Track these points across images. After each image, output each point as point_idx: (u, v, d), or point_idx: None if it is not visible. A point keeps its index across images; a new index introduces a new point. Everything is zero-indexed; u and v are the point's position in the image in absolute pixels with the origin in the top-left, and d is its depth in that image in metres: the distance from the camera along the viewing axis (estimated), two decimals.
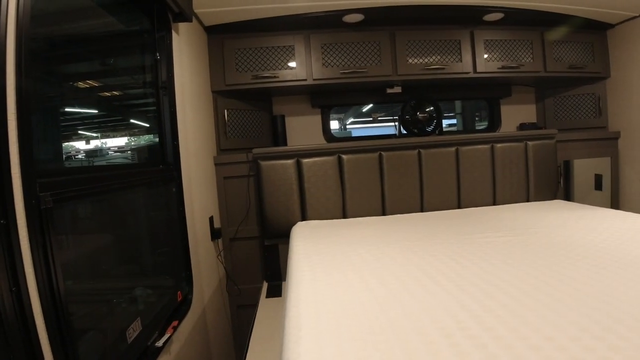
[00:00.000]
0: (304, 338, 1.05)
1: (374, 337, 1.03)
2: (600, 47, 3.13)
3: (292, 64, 2.78)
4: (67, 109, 1.58)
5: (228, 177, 2.79)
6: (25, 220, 0.97)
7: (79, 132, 1.65)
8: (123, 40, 1.94)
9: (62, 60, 1.51)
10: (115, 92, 1.97)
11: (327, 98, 3.22)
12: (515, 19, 2.84)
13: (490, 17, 2.78)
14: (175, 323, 1.80)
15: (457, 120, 4.88)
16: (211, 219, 2.56)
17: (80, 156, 1.68)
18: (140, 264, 1.89)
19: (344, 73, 2.79)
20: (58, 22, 1.43)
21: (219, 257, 2.68)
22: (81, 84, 1.68)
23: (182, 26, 2.20)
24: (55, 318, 1.04)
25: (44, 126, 1.39)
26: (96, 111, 1.85)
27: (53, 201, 1.07)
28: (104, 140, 1.90)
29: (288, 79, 2.77)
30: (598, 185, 3.19)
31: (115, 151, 1.99)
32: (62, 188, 1.15)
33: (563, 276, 1.36)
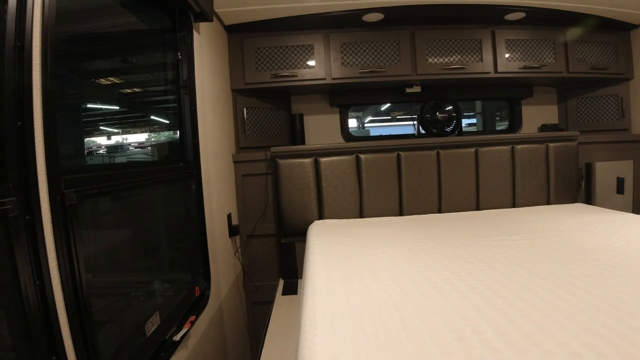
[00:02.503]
0: (319, 337, 1.06)
1: (389, 338, 1.03)
2: (624, 48, 3.06)
3: (311, 63, 2.79)
4: (91, 107, 1.62)
5: (246, 175, 2.82)
6: (50, 216, 1.00)
7: (102, 129, 1.69)
8: (145, 40, 1.97)
9: (85, 59, 1.55)
10: (137, 90, 2.01)
11: (345, 97, 3.22)
12: (537, 18, 2.79)
13: (512, 16, 2.74)
14: (192, 318, 1.83)
15: (477, 120, 4.82)
16: (229, 216, 2.59)
17: (103, 153, 1.72)
18: (159, 259, 1.93)
19: (363, 72, 2.78)
20: (82, 22, 1.46)
21: (236, 253, 2.71)
22: (104, 83, 1.72)
23: (203, 26, 2.23)
24: (77, 311, 1.07)
25: (70, 124, 1.44)
26: (120, 110, 1.89)
27: (77, 198, 1.10)
28: (125, 137, 1.94)
29: (307, 78, 2.78)
30: (620, 189, 3.12)
31: (137, 148, 2.04)
32: (85, 185, 1.19)
33: (579, 281, 1.34)
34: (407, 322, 1.11)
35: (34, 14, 0.97)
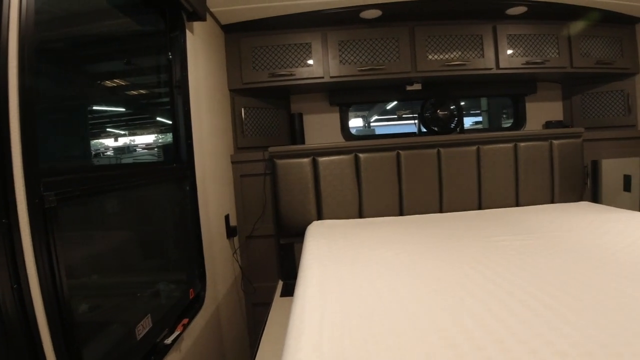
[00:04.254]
0: (305, 340, 1.04)
1: (376, 346, 0.99)
2: (629, 42, 2.99)
3: (309, 62, 2.76)
4: (80, 108, 1.60)
5: (245, 175, 2.79)
6: (27, 219, 0.98)
7: (93, 131, 1.67)
8: (137, 41, 1.95)
9: (73, 60, 1.53)
10: (129, 92, 1.99)
11: (345, 96, 3.18)
12: (539, 12, 2.74)
13: (513, 10, 2.68)
14: (185, 321, 1.81)
15: (482, 118, 4.76)
16: (227, 217, 2.57)
17: (95, 154, 1.70)
18: (150, 262, 1.90)
19: (362, 70, 2.74)
20: (69, 22, 1.45)
21: (235, 255, 2.69)
22: (94, 84, 1.70)
23: (198, 25, 2.21)
24: (57, 315, 1.04)
25: (55, 125, 1.42)
26: (113, 112, 1.87)
27: (57, 200, 1.08)
28: (118, 140, 1.92)
29: (305, 76, 2.74)
30: (627, 187, 3.05)
31: (130, 150, 2.02)
32: (68, 187, 1.16)
33: (581, 284, 1.29)
34: (397, 327, 1.07)
35: (11, 11, 0.95)
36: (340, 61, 2.75)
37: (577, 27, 2.86)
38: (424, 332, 1.04)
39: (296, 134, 3.05)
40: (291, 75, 2.73)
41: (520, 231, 2.06)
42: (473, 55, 2.81)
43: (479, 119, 4.99)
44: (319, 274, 1.58)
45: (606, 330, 0.98)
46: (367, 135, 4.18)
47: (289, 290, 2.58)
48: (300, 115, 3.08)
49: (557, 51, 2.86)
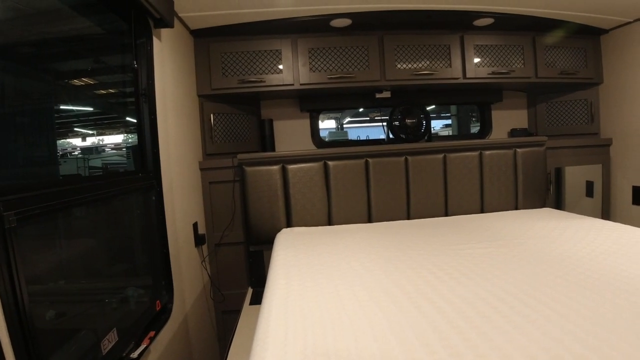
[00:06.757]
0: (269, 358, 1.04)
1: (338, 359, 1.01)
2: (594, 53, 3.09)
3: (279, 69, 2.75)
4: (37, 119, 1.56)
5: (214, 182, 2.77)
6: None
7: (51, 143, 1.63)
8: (102, 49, 1.92)
9: (37, 60, 1.50)
10: (93, 94, 1.95)
11: (315, 102, 3.19)
12: (506, 24, 2.80)
13: (480, 22, 2.74)
14: (152, 334, 1.78)
15: (452, 121, 4.86)
16: (195, 225, 2.54)
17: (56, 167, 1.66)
18: (115, 275, 1.87)
19: (331, 78, 2.75)
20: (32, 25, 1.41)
21: (203, 263, 2.66)
22: (56, 92, 1.66)
23: (165, 31, 2.17)
24: (21, 335, 1.03)
25: (14, 138, 1.38)
26: (77, 121, 1.83)
27: (17, 220, 1.05)
28: (81, 150, 1.88)
29: (274, 83, 2.73)
30: (589, 192, 3.17)
31: (99, 150, 1.99)
32: (28, 205, 1.13)
33: (541, 294, 1.33)
34: (360, 342, 1.09)
35: None
36: (310, 69, 2.75)
37: (543, 38, 2.95)
38: (386, 346, 1.06)
39: (266, 140, 3.04)
40: (261, 81, 2.72)
41: (484, 239, 2.11)
42: (441, 64, 2.86)
43: (449, 121, 5.09)
44: (285, 286, 1.59)
45: (565, 341, 1.02)
46: (337, 140, 4.21)
47: (258, 298, 2.57)
48: (271, 121, 3.08)
49: (522, 61, 2.93)
